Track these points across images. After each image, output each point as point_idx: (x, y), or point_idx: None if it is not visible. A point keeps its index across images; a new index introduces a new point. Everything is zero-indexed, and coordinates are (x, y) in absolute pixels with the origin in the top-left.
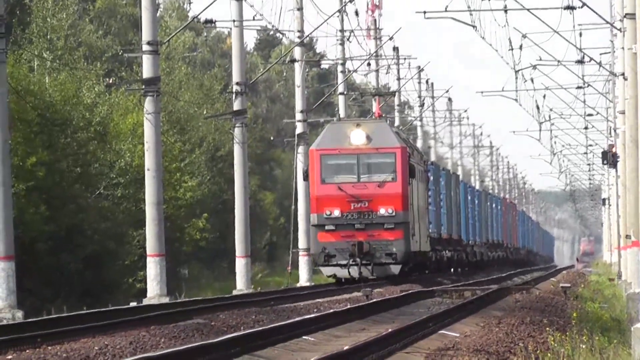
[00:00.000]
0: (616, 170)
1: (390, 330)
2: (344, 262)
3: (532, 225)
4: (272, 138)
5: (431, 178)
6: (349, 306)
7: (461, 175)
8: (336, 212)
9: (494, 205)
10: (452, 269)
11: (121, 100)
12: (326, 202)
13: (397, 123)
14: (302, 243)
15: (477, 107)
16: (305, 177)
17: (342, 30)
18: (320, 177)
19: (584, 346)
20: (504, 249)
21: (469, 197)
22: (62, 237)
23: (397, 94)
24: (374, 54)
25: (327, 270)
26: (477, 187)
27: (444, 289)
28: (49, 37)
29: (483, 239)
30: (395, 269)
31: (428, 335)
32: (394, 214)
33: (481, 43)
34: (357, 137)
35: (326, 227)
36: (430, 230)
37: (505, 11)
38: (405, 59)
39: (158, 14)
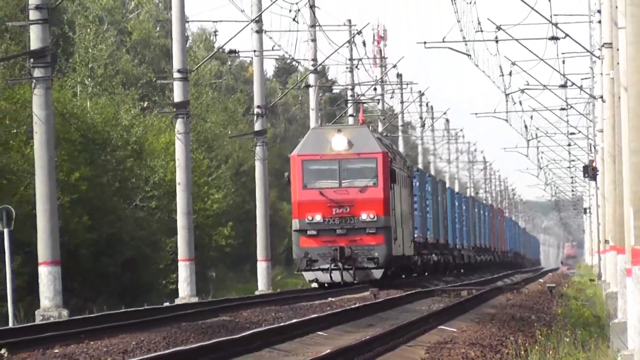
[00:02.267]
0: (596, 183)
1: (395, 326)
2: (326, 266)
3: (518, 230)
4: (289, 155)
5: (417, 184)
6: (358, 304)
7: (457, 187)
8: (318, 217)
9: (481, 211)
10: (446, 272)
11: (155, 121)
12: (308, 207)
13: (400, 142)
14: None
15: (472, 126)
16: (287, 183)
17: (351, 59)
18: (302, 182)
19: (567, 339)
20: (492, 253)
21: (456, 203)
22: (103, 244)
23: (401, 115)
24: (380, 80)
25: (309, 275)
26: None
27: (442, 288)
28: (90, 65)
29: (471, 243)
30: (377, 273)
31: (428, 330)
32: (375, 218)
33: (475, 70)
34: (338, 142)
35: (308, 232)
36: (415, 235)
37: (497, 41)
38: (407, 84)
39: (187, 45)
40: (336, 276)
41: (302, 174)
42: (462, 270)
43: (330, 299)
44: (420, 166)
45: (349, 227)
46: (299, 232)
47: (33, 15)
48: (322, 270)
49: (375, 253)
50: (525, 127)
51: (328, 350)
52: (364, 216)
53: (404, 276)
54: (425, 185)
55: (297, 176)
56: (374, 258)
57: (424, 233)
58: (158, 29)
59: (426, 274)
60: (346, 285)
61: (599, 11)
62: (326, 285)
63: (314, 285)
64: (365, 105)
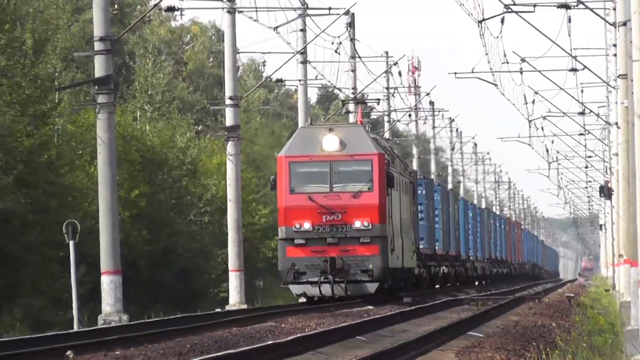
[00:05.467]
0: (611, 202)
1: (427, 331)
2: (315, 279)
3: (537, 242)
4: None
5: (423, 193)
6: (393, 312)
7: (484, 205)
8: (306, 225)
9: (497, 223)
10: (477, 284)
11: (208, 144)
12: (295, 214)
13: (432, 164)
14: None
15: (498, 150)
16: (273, 187)
17: (387, 88)
18: (289, 186)
19: (585, 345)
20: (508, 265)
21: (470, 214)
22: (160, 255)
23: (433, 139)
24: (414, 107)
25: (296, 289)
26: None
27: (471, 297)
28: (149, 92)
29: (485, 254)
30: (371, 287)
31: (458, 335)
32: (370, 227)
33: (501, 98)
34: (329, 142)
35: (295, 242)
36: (421, 246)
37: (521, 72)
38: (439, 111)
39: (238, 74)
40: (326, 290)
41: (289, 177)
42: (476, 283)
43: (368, 307)
44: (450, 186)
45: (341, 236)
46: (285, 241)
47: (97, 46)
48: (311, 283)
49: (370, 265)
50: (547, 150)
51: (366, 354)
52: (357, 224)
53: (408, 290)
54: (433, 194)
55: (283, 179)
56: (368, 270)
57: (431, 244)
58: (211, 59)
59: (437, 286)
60: (337, 300)
61: (615, 45)
62: (315, 299)
63: (302, 299)
64: (396, 125)
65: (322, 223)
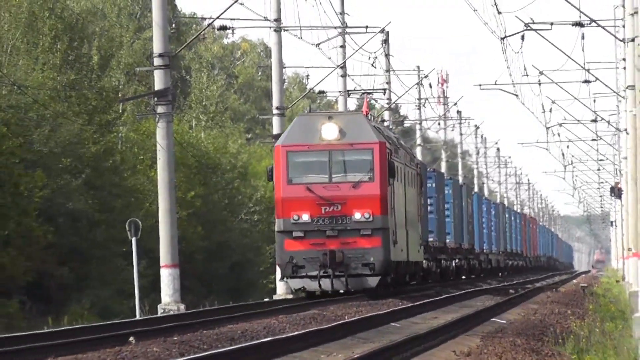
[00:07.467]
0: (621, 201)
1: (455, 318)
2: (314, 273)
3: (552, 236)
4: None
5: (433, 185)
6: (424, 300)
7: (506, 204)
8: (305, 217)
9: (512, 217)
10: (501, 275)
11: (257, 150)
12: (293, 205)
13: (460, 167)
14: None
15: (518, 154)
16: (270, 177)
17: (419, 98)
18: (287, 176)
19: (597, 330)
20: (523, 258)
21: (484, 208)
22: (214, 250)
23: (460, 145)
24: (443, 116)
25: (295, 283)
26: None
27: (494, 287)
28: (203, 103)
29: (501, 247)
30: (373, 281)
31: (482, 322)
32: (371, 218)
33: (521, 107)
34: (328, 131)
35: (293, 234)
36: (430, 239)
37: (539, 84)
38: (466, 119)
39: (284, 87)
40: (326, 284)
41: (287, 167)
42: (499, 275)
43: (401, 295)
44: (475, 187)
45: (341, 228)
46: (282, 233)
47: (157, 62)
48: (310, 277)
49: (371, 258)
50: (563, 154)
51: (401, 338)
52: (357, 215)
53: (413, 283)
54: (444, 187)
55: (281, 170)
56: (369, 263)
57: (441, 237)
58: (260, 73)
59: (451, 278)
60: (339, 295)
61: (624, 59)
62: (317, 294)
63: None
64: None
65: (321, 215)
